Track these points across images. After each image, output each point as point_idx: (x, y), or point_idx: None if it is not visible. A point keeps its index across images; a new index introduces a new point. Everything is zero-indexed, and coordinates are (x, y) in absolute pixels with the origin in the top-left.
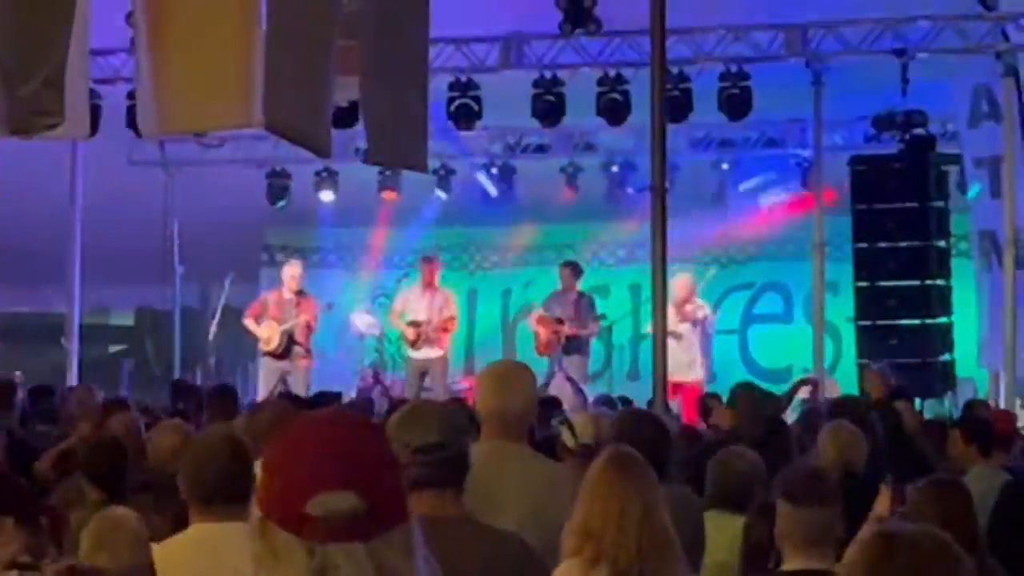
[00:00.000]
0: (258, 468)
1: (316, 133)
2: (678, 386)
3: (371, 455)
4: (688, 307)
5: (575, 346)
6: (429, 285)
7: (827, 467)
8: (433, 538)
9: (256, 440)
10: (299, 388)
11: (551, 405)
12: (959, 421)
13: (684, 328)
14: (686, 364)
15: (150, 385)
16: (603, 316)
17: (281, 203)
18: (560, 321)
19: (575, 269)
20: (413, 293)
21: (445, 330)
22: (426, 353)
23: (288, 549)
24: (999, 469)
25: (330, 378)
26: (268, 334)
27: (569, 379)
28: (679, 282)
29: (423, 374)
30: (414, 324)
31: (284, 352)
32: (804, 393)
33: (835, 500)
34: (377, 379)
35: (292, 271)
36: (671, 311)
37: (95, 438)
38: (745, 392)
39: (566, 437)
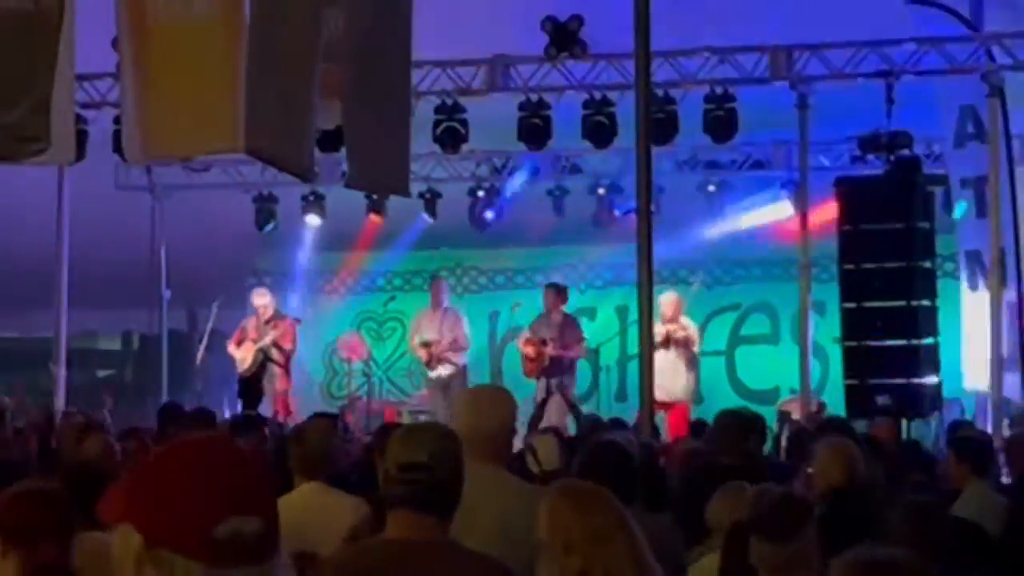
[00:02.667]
0: None
1: (298, 157)
2: (664, 405)
3: (263, 481)
4: (671, 326)
5: (558, 367)
6: (437, 305)
7: (814, 487)
8: (408, 561)
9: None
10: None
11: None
12: (951, 442)
13: (670, 349)
14: (673, 384)
15: (138, 409)
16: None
17: (268, 227)
18: (544, 342)
19: (559, 291)
20: (425, 314)
21: (456, 348)
22: (442, 371)
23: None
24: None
25: (315, 402)
26: (243, 355)
27: (571, 404)
28: (666, 300)
29: (446, 389)
30: (425, 345)
31: (259, 371)
32: (795, 413)
33: (803, 531)
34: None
35: (260, 300)
36: (658, 329)
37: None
38: (724, 420)
39: (530, 463)
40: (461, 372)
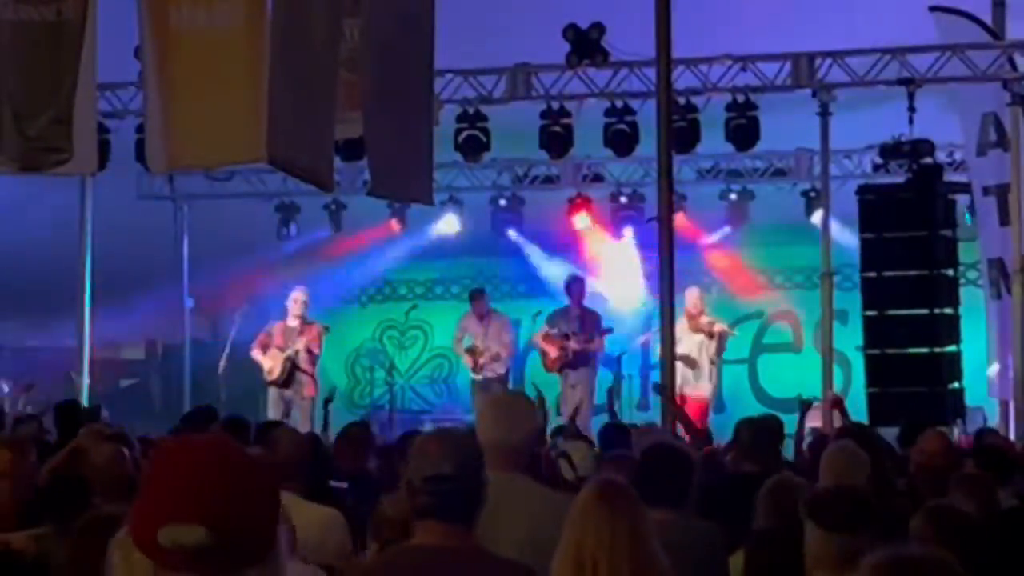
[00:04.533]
0: None
1: (318, 167)
2: (684, 399)
3: (229, 488)
4: (704, 319)
5: (582, 360)
6: (484, 314)
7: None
8: (437, 568)
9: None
10: (303, 417)
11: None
12: (974, 450)
13: (696, 342)
14: (694, 377)
15: (163, 417)
16: (610, 330)
17: (290, 235)
18: (567, 336)
19: (582, 283)
20: (470, 322)
21: (499, 358)
22: (488, 373)
23: (143, 571)
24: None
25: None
26: (271, 364)
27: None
28: (689, 295)
29: (486, 390)
30: (470, 351)
31: (287, 380)
32: (815, 421)
33: (867, 524)
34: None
35: (296, 296)
36: (683, 323)
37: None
38: (747, 426)
39: (565, 470)
40: (500, 380)
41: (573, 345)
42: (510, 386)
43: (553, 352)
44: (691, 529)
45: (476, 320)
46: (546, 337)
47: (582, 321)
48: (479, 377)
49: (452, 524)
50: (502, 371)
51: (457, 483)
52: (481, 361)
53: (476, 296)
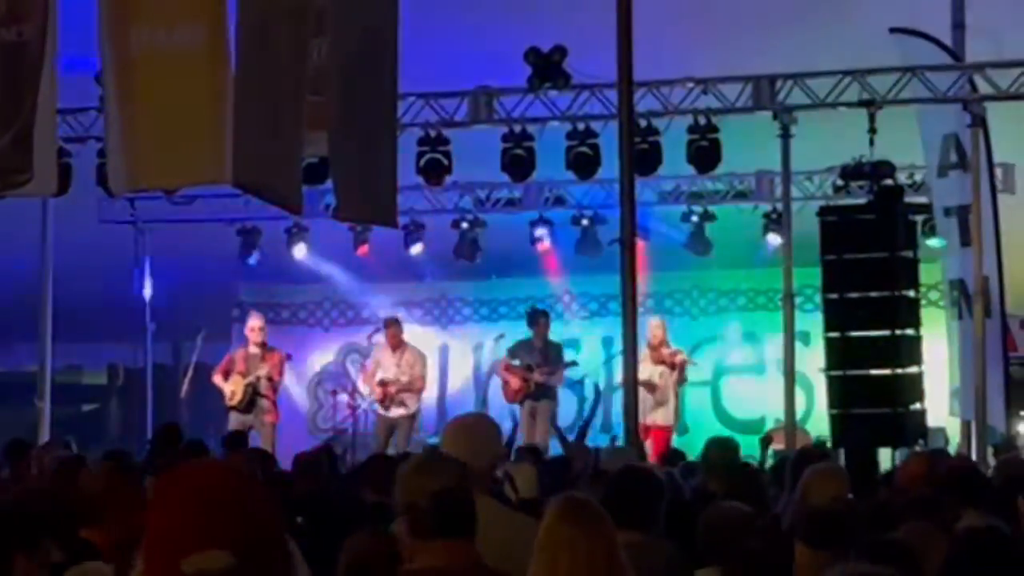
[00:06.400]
0: None
1: (286, 190)
2: (647, 429)
3: (244, 510)
4: (665, 351)
5: (544, 392)
6: (397, 345)
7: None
8: None
9: None
10: (264, 443)
11: (534, 453)
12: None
13: (657, 373)
14: (657, 407)
15: (123, 442)
16: (574, 363)
17: (252, 260)
18: (530, 368)
19: (547, 316)
20: (384, 353)
21: (410, 390)
22: (395, 412)
23: None
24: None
25: (300, 435)
26: (232, 388)
27: (556, 428)
28: (653, 324)
29: (391, 431)
30: (381, 384)
31: (248, 406)
32: (778, 444)
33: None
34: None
35: (252, 324)
36: (644, 353)
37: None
38: (716, 446)
39: (508, 491)
40: (409, 419)
41: (536, 377)
42: (417, 427)
43: (515, 383)
44: (658, 551)
45: (389, 350)
46: (508, 368)
47: (544, 354)
48: (386, 413)
49: (457, 540)
50: (412, 409)
51: (463, 500)
52: (390, 392)
53: (390, 324)
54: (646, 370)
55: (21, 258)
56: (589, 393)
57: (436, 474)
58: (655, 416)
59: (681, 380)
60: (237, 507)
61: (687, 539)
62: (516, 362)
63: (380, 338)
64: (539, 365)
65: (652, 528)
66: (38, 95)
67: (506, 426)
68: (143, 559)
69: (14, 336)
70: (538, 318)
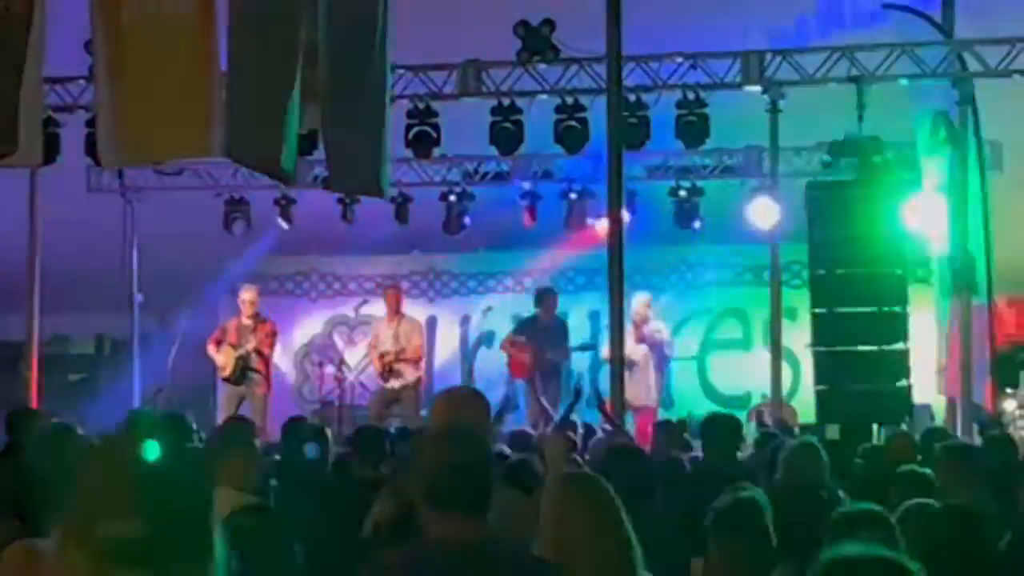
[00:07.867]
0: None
1: (279, 161)
2: (633, 410)
3: (166, 483)
4: (646, 328)
5: (554, 370)
6: (394, 314)
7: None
8: (472, 560)
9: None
10: (255, 415)
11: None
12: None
13: (640, 352)
14: (641, 389)
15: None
16: (593, 346)
17: (239, 230)
18: (541, 347)
19: (553, 296)
20: (381, 324)
21: (407, 360)
22: (394, 383)
23: (82, 571)
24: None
25: (289, 406)
26: (224, 360)
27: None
28: (639, 300)
29: (392, 402)
30: (381, 356)
31: (240, 378)
32: (766, 417)
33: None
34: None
35: (246, 295)
36: (629, 331)
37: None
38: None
39: (537, 463)
40: (411, 388)
41: (549, 355)
42: (421, 396)
43: (525, 358)
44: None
45: (387, 323)
46: (515, 343)
47: (551, 331)
48: (387, 384)
49: (475, 516)
50: (411, 378)
51: (485, 473)
52: (388, 361)
53: (388, 290)
54: (627, 348)
55: (8, 228)
56: (577, 368)
57: (460, 446)
58: (636, 397)
59: (663, 357)
60: (155, 477)
61: (692, 519)
62: (522, 338)
63: (370, 310)
64: (548, 343)
65: (644, 506)
66: (24, 67)
67: (499, 392)
68: (65, 523)
69: (1, 307)
70: (545, 296)
